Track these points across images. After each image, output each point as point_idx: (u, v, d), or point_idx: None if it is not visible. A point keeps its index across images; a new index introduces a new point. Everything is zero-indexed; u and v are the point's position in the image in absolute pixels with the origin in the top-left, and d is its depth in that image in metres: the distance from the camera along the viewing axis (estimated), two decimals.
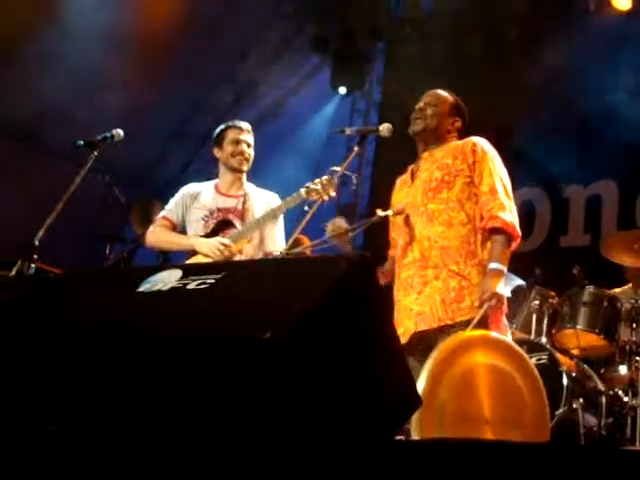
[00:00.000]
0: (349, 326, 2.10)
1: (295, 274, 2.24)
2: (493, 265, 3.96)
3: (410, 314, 4.07)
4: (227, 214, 4.91)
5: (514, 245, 4.07)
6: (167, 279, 2.29)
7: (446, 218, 4.09)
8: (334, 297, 2.06)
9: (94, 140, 4.60)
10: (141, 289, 2.30)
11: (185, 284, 2.24)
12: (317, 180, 4.53)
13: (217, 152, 5.05)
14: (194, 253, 4.76)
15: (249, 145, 5.02)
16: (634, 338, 5.35)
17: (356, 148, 4.49)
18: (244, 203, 4.93)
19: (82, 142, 4.60)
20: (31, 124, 9.18)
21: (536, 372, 3.71)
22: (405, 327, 4.08)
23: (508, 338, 3.98)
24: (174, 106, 9.76)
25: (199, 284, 2.22)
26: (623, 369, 5.51)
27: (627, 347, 5.43)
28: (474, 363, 3.56)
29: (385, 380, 2.23)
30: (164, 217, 5.01)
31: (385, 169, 9.42)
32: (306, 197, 4.54)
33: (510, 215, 4.04)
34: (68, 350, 2.12)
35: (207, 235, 4.82)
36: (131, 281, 2.37)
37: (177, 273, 2.31)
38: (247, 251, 4.79)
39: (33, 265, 4.17)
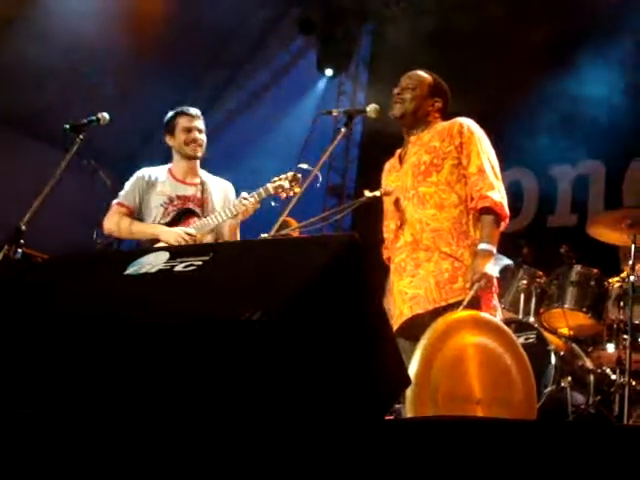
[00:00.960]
0: (339, 307, 2.10)
1: (284, 255, 2.23)
2: (483, 246, 3.97)
3: (404, 298, 4.09)
4: (187, 202, 4.93)
5: (503, 225, 4.08)
6: (154, 261, 2.28)
7: (437, 200, 4.09)
8: (324, 278, 2.05)
9: (80, 123, 4.57)
10: (128, 272, 2.29)
11: (172, 266, 2.23)
12: (283, 176, 4.59)
13: (169, 140, 5.07)
14: (156, 241, 4.76)
15: (200, 131, 5.04)
16: (621, 316, 5.37)
17: (343, 129, 4.48)
18: (202, 192, 4.95)
19: (68, 125, 4.57)
20: (16, 109, 9.12)
21: (524, 352, 3.73)
22: (400, 310, 4.09)
23: (497, 318, 4.00)
24: (162, 90, 9.71)
25: (187, 266, 2.21)
26: (611, 347, 5.55)
27: (614, 325, 5.47)
28: (464, 344, 3.57)
29: (375, 360, 2.23)
30: (120, 203, 4.98)
31: (372, 150, 9.44)
32: (272, 192, 4.59)
33: (499, 195, 4.04)
34: (56, 334, 2.11)
35: (169, 223, 4.83)
36: (118, 264, 2.36)
37: (164, 255, 2.30)
38: (208, 242, 4.80)
39: (20, 250, 4.15)
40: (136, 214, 4.95)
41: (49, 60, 8.39)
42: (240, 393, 1.91)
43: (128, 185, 5.02)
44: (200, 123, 5.05)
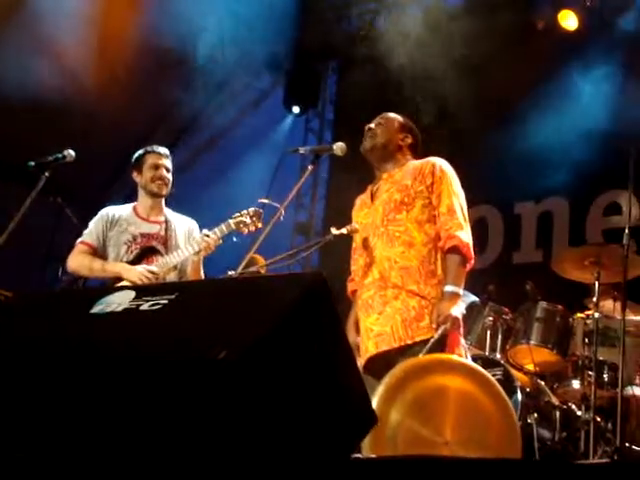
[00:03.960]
0: (306, 345, 2.10)
1: (251, 293, 2.23)
2: (449, 288, 3.99)
3: (370, 335, 4.09)
4: (150, 240, 4.94)
5: (468, 266, 4.11)
6: (120, 300, 2.28)
7: (407, 239, 4.12)
8: (290, 316, 2.05)
9: (45, 161, 4.56)
10: (94, 310, 2.28)
11: (138, 305, 2.22)
12: (244, 211, 4.64)
13: (136, 177, 5.09)
14: (119, 280, 4.74)
15: (168, 170, 5.07)
16: (586, 353, 5.40)
17: (310, 167, 4.51)
18: (167, 230, 4.97)
19: (33, 163, 4.55)
20: None
21: (501, 390, 3.67)
22: (365, 346, 4.10)
23: (467, 359, 4.00)
24: (127, 129, 9.70)
25: (152, 305, 2.20)
26: (576, 384, 5.58)
27: (579, 362, 5.50)
28: (432, 386, 3.55)
29: (341, 399, 2.23)
30: (83, 242, 4.98)
31: (339, 188, 9.48)
32: (234, 228, 4.62)
33: (466, 236, 4.08)
34: (20, 373, 2.09)
35: (132, 262, 4.82)
36: (84, 303, 2.35)
37: (130, 294, 2.30)
38: (171, 279, 4.81)
39: None
40: (100, 252, 4.93)
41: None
42: (205, 431, 1.90)
43: (92, 224, 5.02)
44: (168, 162, 5.08)
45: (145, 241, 4.91)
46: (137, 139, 10.25)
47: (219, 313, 2.15)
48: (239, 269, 4.51)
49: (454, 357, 3.82)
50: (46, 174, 4.52)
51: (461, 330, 4.05)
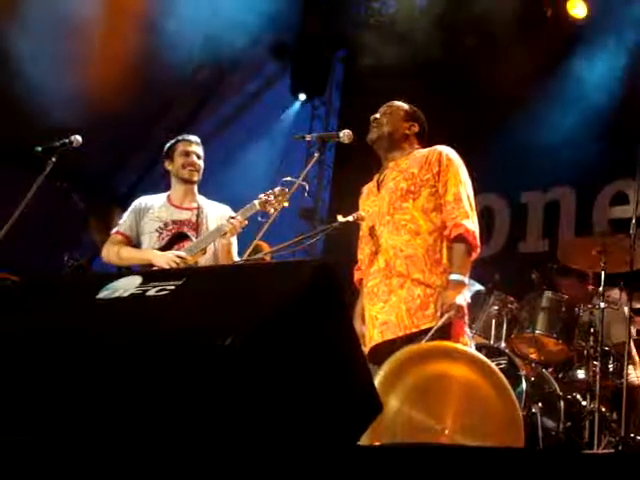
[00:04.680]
0: (311, 333, 2.10)
1: (257, 280, 2.23)
2: (454, 277, 3.99)
3: (375, 323, 4.09)
4: (182, 227, 4.96)
5: (474, 255, 4.10)
6: (126, 286, 2.27)
7: (413, 227, 4.11)
8: (296, 304, 2.05)
9: (52, 146, 4.56)
10: (100, 296, 2.28)
11: (145, 291, 2.22)
12: (270, 191, 4.62)
13: (168, 165, 5.14)
14: (150, 266, 4.77)
15: (199, 157, 5.10)
16: (591, 343, 5.40)
17: (316, 154, 4.52)
18: (198, 216, 4.99)
19: (40, 148, 4.56)
20: None
21: (504, 379, 3.65)
22: (370, 335, 4.10)
23: (471, 347, 4.00)
24: (134, 114, 9.70)
25: (159, 290, 2.20)
26: (581, 373, 5.58)
27: (584, 352, 5.50)
28: (433, 373, 3.54)
29: (346, 387, 2.23)
30: (118, 232, 5.05)
31: (345, 175, 9.47)
32: (260, 208, 4.63)
33: (472, 224, 4.07)
34: (27, 357, 2.10)
35: (163, 248, 4.86)
36: (90, 288, 2.34)
37: (137, 280, 2.29)
38: (202, 263, 4.82)
39: None
40: (134, 242, 5.01)
41: (15, 80, 8.35)
42: (210, 417, 1.90)
43: (125, 214, 5.10)
44: (199, 149, 5.12)
45: (176, 227, 4.95)
46: (143, 127, 10.28)
47: (225, 299, 2.15)
48: (245, 256, 4.52)
49: (458, 346, 3.81)
50: (53, 159, 4.53)
51: (466, 319, 4.06)
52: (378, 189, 4.34)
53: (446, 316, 3.90)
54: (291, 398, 2.03)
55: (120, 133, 9.70)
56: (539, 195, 8.62)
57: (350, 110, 10.25)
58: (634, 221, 4.92)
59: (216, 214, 5.04)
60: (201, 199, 5.11)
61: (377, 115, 4.38)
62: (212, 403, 1.89)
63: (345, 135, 4.37)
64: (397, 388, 3.44)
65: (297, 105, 11.00)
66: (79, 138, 4.63)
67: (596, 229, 7.72)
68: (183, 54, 9.35)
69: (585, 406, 5.21)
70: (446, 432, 3.43)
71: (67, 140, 4.60)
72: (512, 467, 1.76)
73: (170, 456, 1.88)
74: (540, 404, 5.20)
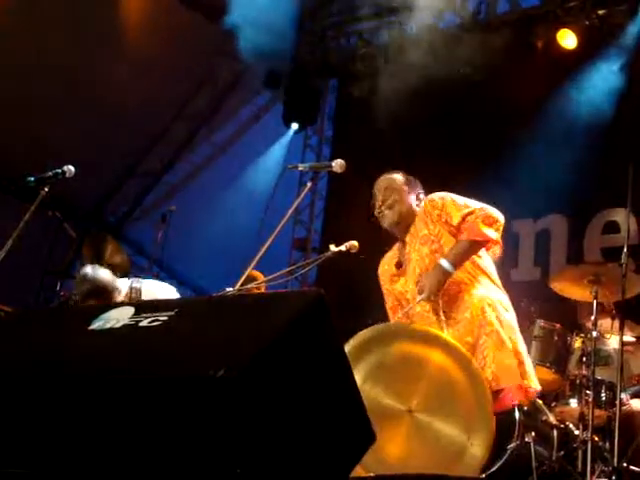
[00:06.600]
0: (304, 363, 2.10)
1: (250, 311, 2.23)
2: (443, 262, 4.09)
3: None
4: None
5: (486, 247, 4.35)
6: (119, 316, 2.27)
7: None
8: (289, 334, 2.06)
9: (44, 176, 4.55)
10: (93, 327, 2.28)
11: (137, 321, 2.22)
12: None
13: None
14: None
15: None
16: (584, 372, 5.39)
17: (309, 183, 4.52)
18: None
19: (32, 178, 4.55)
20: None
21: (476, 366, 3.77)
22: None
23: (444, 333, 4.01)
24: (127, 142, 9.71)
25: (151, 321, 2.20)
26: (574, 403, 5.56)
27: (577, 381, 5.48)
28: (399, 352, 3.67)
29: (339, 416, 2.23)
30: None
31: (338, 204, 9.49)
32: None
33: (495, 233, 4.32)
34: (19, 390, 2.09)
35: None
36: (83, 319, 2.34)
37: (129, 310, 2.30)
38: None
39: None
40: None
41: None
42: (204, 448, 1.90)
43: None
44: None
45: None
46: (136, 155, 10.29)
47: (218, 330, 2.15)
48: (237, 286, 4.51)
49: (430, 328, 3.93)
50: (45, 189, 4.51)
51: (440, 302, 4.09)
52: (400, 267, 4.38)
53: (419, 297, 4.06)
54: (284, 427, 2.03)
55: (112, 160, 9.72)
56: (530, 224, 8.63)
57: (342, 139, 10.28)
58: (625, 250, 4.93)
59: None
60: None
61: (380, 201, 4.39)
62: (206, 433, 1.89)
63: (337, 165, 4.38)
64: (361, 363, 3.55)
65: (290, 134, 11.04)
66: (72, 168, 4.62)
67: (587, 258, 7.74)
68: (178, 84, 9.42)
69: (578, 435, 5.19)
70: (411, 412, 3.58)
71: (60, 170, 4.59)
72: None
73: None
74: (533, 433, 5.16)
